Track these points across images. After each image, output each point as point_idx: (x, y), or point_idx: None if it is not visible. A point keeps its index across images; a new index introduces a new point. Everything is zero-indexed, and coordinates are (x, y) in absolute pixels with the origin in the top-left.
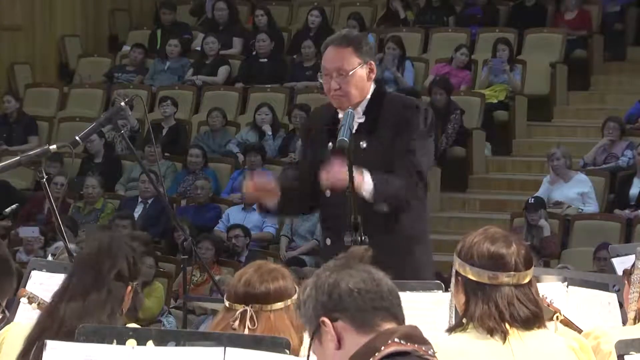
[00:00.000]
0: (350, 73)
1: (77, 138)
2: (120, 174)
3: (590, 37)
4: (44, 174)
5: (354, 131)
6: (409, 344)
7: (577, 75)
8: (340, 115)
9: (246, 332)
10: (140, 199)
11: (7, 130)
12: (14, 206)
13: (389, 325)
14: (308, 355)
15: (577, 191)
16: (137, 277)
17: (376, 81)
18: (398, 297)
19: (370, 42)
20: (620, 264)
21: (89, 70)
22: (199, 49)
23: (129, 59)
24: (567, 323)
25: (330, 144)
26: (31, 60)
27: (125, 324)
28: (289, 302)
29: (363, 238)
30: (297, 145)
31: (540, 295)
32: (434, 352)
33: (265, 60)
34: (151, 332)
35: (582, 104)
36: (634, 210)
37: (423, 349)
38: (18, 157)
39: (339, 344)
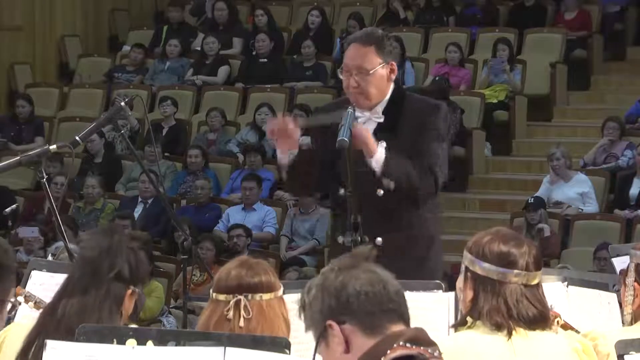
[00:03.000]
0: (371, 72)
1: (77, 138)
2: (120, 174)
3: (590, 37)
4: (44, 174)
5: (372, 131)
6: (414, 347)
7: (577, 75)
8: (358, 114)
9: (241, 321)
10: (140, 199)
11: (16, 130)
12: (13, 206)
13: (396, 327)
14: (314, 357)
15: (577, 191)
16: (139, 282)
17: (395, 81)
18: (404, 298)
19: (393, 43)
20: (620, 264)
21: (89, 70)
22: (199, 49)
23: (129, 59)
24: (567, 328)
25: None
26: (31, 60)
27: (126, 324)
28: (278, 293)
29: (364, 238)
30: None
31: (547, 305)
32: (439, 354)
33: (265, 60)
34: (151, 332)
35: (582, 104)
36: (634, 210)
37: (429, 351)
38: (18, 157)
39: (347, 347)
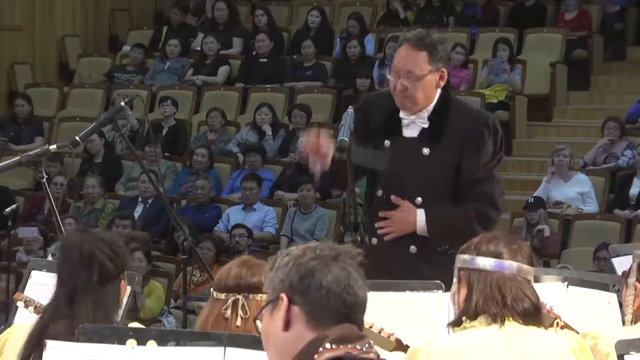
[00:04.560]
0: (420, 78)
1: (77, 138)
2: (120, 174)
3: (590, 37)
4: (44, 174)
5: (416, 135)
6: (341, 346)
7: (577, 75)
8: (402, 115)
9: (238, 321)
10: (140, 199)
11: (16, 130)
12: (13, 206)
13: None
14: (257, 315)
15: (577, 191)
16: (124, 267)
17: (444, 87)
18: (363, 308)
19: (446, 49)
20: (620, 264)
21: (89, 70)
22: (199, 49)
23: (129, 59)
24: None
25: (387, 142)
26: (31, 60)
27: (126, 324)
28: None
29: (364, 238)
30: (297, 144)
31: (540, 301)
32: (370, 345)
33: (265, 60)
34: (151, 332)
35: (582, 104)
36: (634, 210)
37: (357, 347)
38: (18, 157)
39: (286, 327)
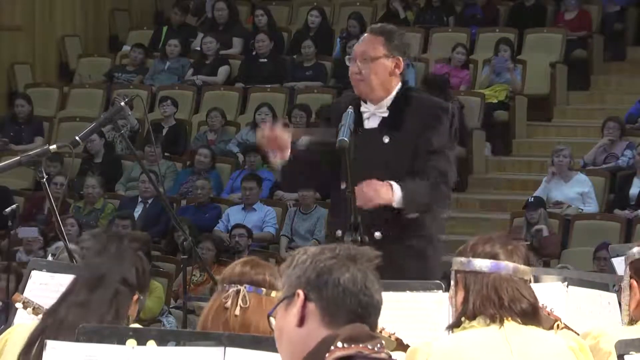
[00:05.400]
0: (374, 60)
1: (77, 138)
2: (120, 174)
3: (590, 37)
4: (44, 174)
5: (376, 126)
6: (352, 345)
7: (577, 75)
8: (363, 109)
9: (237, 310)
10: (140, 199)
11: (16, 130)
12: (13, 206)
13: None
14: (273, 310)
15: (577, 191)
16: (145, 288)
17: (404, 82)
18: (377, 311)
19: (406, 41)
20: (620, 264)
21: (89, 70)
22: (199, 49)
23: (129, 59)
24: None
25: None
26: (31, 60)
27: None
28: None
29: (364, 238)
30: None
31: (540, 304)
32: (382, 345)
33: (265, 60)
34: (151, 332)
35: (582, 104)
36: (634, 210)
37: (369, 347)
38: (18, 157)
39: (300, 323)
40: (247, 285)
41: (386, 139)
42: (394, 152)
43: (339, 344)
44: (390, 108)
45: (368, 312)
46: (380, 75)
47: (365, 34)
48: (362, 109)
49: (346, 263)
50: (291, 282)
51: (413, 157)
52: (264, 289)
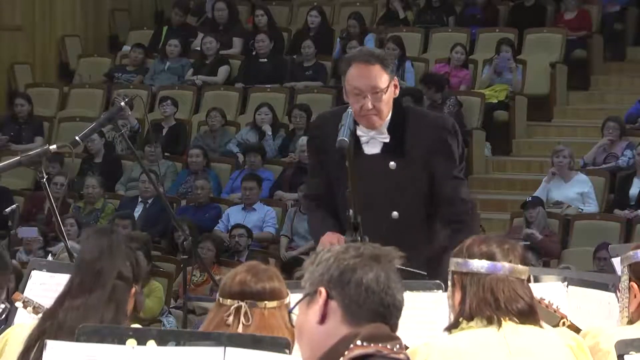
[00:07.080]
0: (384, 91)
1: (77, 138)
2: (120, 174)
3: (590, 37)
4: (44, 174)
5: (379, 151)
6: (372, 344)
7: (577, 75)
8: (360, 133)
9: (240, 328)
10: (140, 199)
11: (16, 130)
12: (13, 206)
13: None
14: (294, 306)
15: (577, 191)
16: (140, 279)
17: (394, 99)
18: (398, 311)
19: (391, 60)
20: (620, 264)
21: (89, 70)
22: (199, 49)
23: (129, 59)
24: (574, 329)
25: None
26: (31, 60)
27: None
28: (284, 301)
29: (364, 238)
30: (297, 144)
31: (546, 301)
32: (401, 346)
33: (265, 60)
34: (151, 332)
35: (582, 104)
36: (634, 210)
37: (388, 347)
38: (18, 157)
39: (322, 320)
40: (247, 302)
41: (393, 165)
42: (403, 177)
43: (359, 342)
44: (390, 131)
45: (390, 312)
46: (389, 103)
47: (357, 65)
48: (359, 132)
49: (370, 262)
50: (314, 279)
51: (425, 183)
52: (265, 302)
